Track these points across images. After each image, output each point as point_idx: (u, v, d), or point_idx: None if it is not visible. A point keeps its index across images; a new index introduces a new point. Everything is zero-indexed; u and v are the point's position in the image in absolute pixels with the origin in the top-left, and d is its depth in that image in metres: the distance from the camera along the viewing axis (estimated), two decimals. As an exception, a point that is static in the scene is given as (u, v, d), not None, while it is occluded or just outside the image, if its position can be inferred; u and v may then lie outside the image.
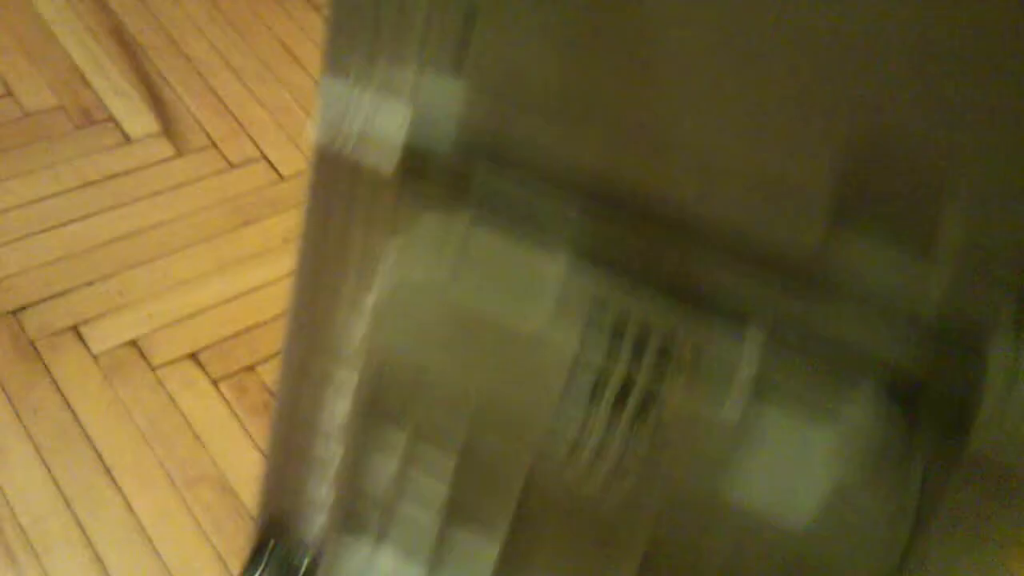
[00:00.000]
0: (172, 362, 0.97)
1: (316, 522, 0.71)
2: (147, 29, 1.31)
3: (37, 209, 1.07)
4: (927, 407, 0.53)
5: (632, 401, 0.56)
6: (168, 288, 1.03)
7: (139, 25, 1.31)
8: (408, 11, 0.57)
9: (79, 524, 0.84)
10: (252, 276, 1.06)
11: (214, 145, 1.19)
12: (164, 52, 1.28)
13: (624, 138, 0.54)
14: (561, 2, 0.52)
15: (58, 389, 0.93)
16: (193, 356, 0.98)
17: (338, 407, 0.66)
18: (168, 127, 1.20)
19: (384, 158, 0.58)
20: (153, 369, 0.96)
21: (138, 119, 1.20)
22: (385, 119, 0.58)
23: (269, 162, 1.19)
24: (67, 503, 0.85)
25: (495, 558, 0.63)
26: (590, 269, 0.57)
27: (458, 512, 0.63)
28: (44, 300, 0.99)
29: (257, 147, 1.20)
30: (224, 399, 0.96)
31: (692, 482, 0.56)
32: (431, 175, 0.58)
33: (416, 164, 0.58)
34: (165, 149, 1.17)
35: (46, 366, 0.94)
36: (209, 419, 0.94)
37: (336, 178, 0.61)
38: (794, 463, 0.55)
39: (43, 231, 1.05)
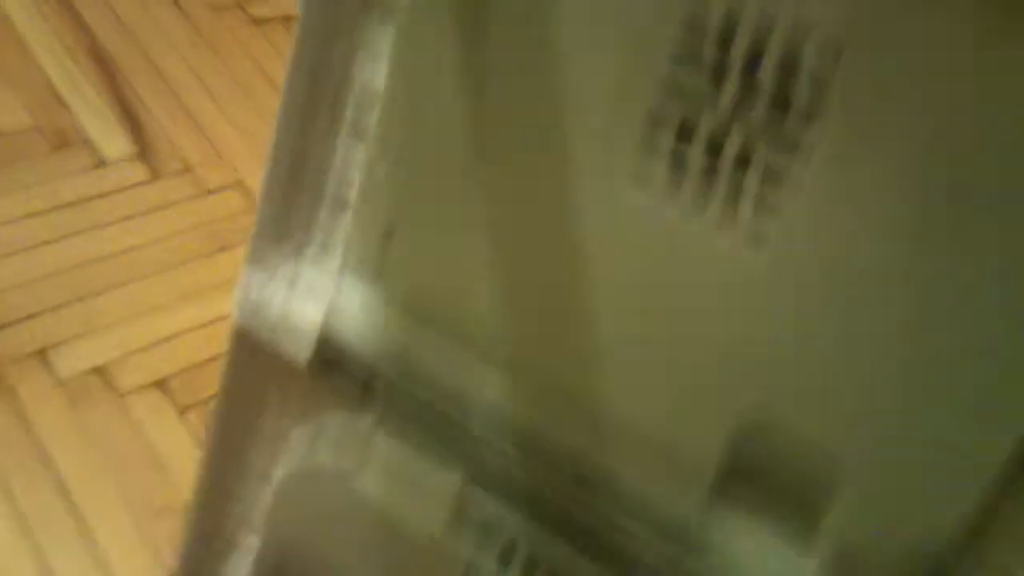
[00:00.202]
0: (139, 389, 0.97)
1: None
2: (125, 50, 1.30)
3: (7, 231, 1.06)
4: None
5: None
6: (138, 314, 1.02)
7: (117, 46, 1.31)
8: (333, 218, 0.59)
9: (38, 552, 0.83)
10: (225, 303, 1.05)
11: (190, 170, 1.19)
12: (142, 73, 1.28)
13: (525, 376, 0.55)
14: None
15: (22, 414, 0.92)
16: (161, 383, 0.97)
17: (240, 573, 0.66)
18: (144, 150, 1.19)
19: (299, 348, 0.60)
20: (120, 396, 0.95)
21: (114, 141, 1.19)
22: (302, 312, 0.60)
23: (245, 188, 1.19)
24: (26, 530, 0.84)
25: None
26: (483, 492, 0.58)
27: None
28: (11, 324, 0.98)
29: (234, 172, 1.20)
30: (191, 428, 0.95)
31: None
32: (342, 372, 0.60)
33: (329, 359, 0.60)
34: (140, 172, 1.17)
35: (11, 390, 0.93)
36: (175, 448, 0.93)
37: (253, 358, 0.62)
38: None
39: (12, 253, 1.04)
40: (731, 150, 0.46)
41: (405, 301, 0.57)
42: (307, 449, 0.62)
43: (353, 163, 0.55)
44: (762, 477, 0.51)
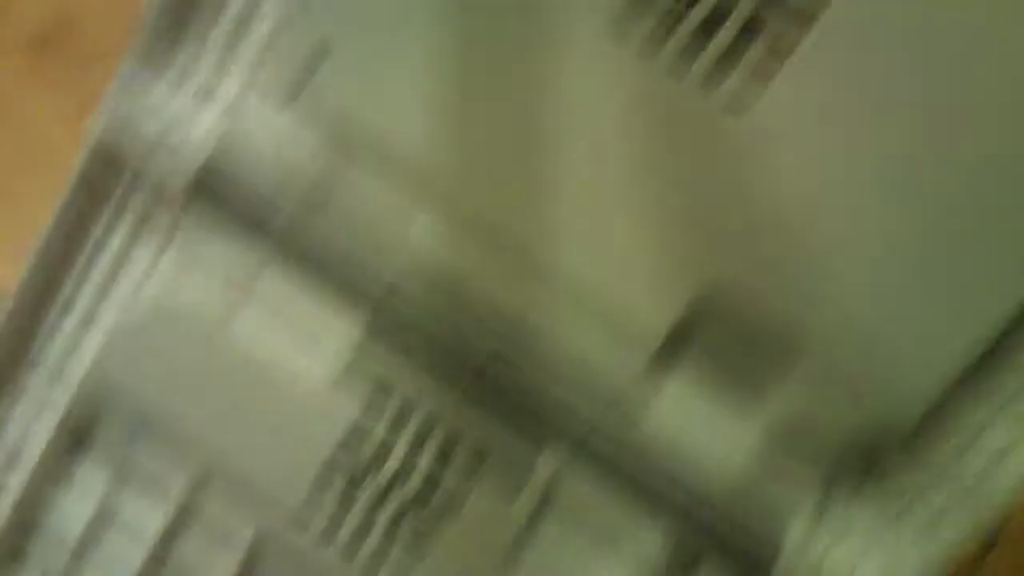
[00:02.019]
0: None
1: None
2: None
3: None
4: (718, 556, 0.52)
5: (399, 493, 0.54)
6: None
7: None
8: (248, 21, 0.53)
9: None
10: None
11: None
12: None
13: (462, 222, 0.51)
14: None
15: None
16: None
17: (33, 429, 0.61)
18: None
19: (178, 171, 0.54)
20: None
21: None
22: (190, 129, 0.54)
23: None
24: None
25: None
26: (384, 346, 0.54)
27: None
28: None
29: None
30: None
31: None
32: (228, 202, 0.54)
33: (213, 185, 0.54)
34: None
35: None
36: None
37: (109, 177, 0.56)
38: (599, 541, 0.54)
39: None
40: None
41: (325, 130, 0.52)
42: (163, 286, 0.57)
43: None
44: (712, 348, 0.50)
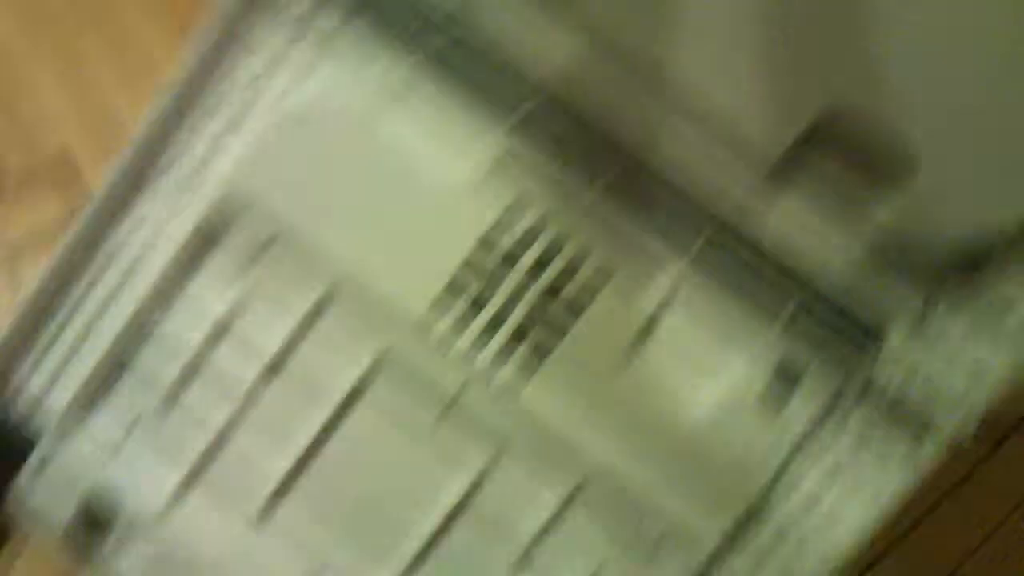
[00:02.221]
0: None
1: (54, 392, 0.66)
2: None
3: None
4: (820, 364, 0.58)
5: (524, 302, 0.60)
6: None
7: None
8: None
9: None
10: None
11: None
12: None
13: (602, 43, 0.58)
14: None
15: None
16: None
17: (164, 235, 0.65)
18: None
19: None
20: None
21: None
22: None
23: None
24: None
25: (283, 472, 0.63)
26: (524, 159, 0.60)
27: (260, 408, 0.63)
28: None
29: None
30: None
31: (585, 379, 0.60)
32: (386, 11, 0.60)
33: None
34: None
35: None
36: None
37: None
38: (698, 369, 0.59)
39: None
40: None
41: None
42: (321, 89, 0.62)
43: None
44: (826, 167, 0.56)
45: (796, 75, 0.55)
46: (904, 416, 0.57)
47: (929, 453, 0.57)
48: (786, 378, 0.59)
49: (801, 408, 0.59)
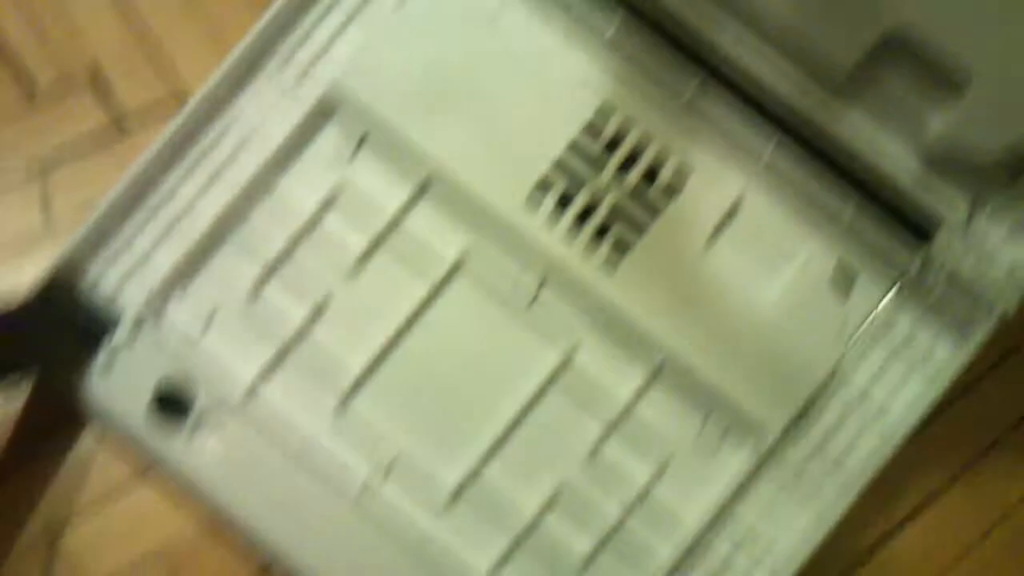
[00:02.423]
0: None
1: (136, 280, 0.65)
2: None
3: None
4: (889, 243, 0.67)
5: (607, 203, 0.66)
6: None
7: None
8: None
9: None
10: None
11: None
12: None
13: None
14: None
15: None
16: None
17: (272, 119, 0.67)
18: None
19: None
20: None
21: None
22: None
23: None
24: None
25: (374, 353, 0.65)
26: (618, 62, 0.67)
27: (351, 291, 0.66)
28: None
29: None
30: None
31: (675, 254, 0.66)
32: None
33: None
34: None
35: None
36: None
37: None
38: (768, 261, 0.66)
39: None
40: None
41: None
42: None
43: None
44: (889, 79, 0.64)
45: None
46: (952, 307, 0.66)
47: (975, 339, 0.65)
48: (846, 272, 0.66)
49: (861, 298, 0.66)
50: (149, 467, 0.65)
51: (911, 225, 0.66)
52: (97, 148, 0.72)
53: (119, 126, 0.72)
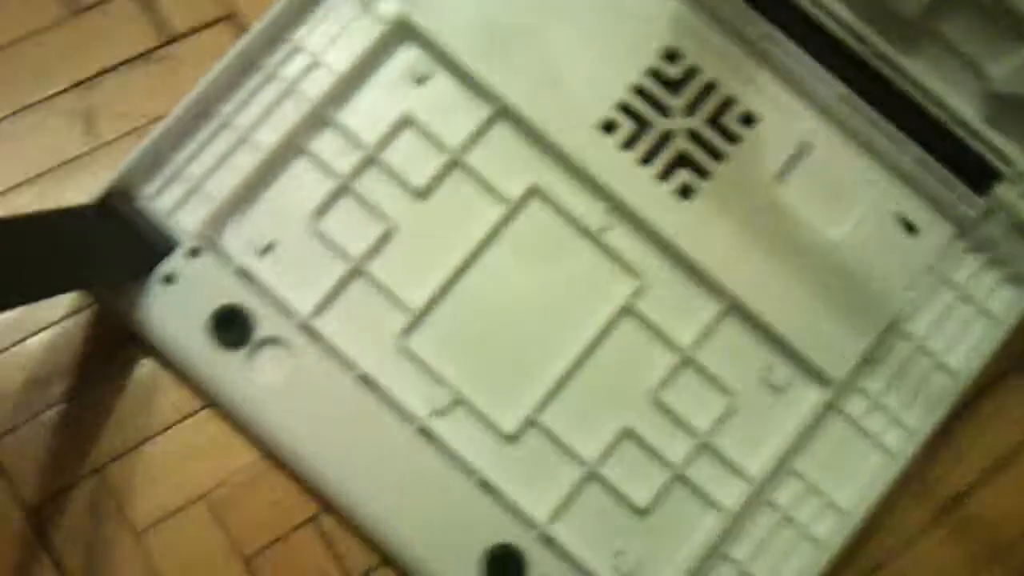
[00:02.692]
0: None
1: (192, 205, 0.63)
2: None
3: None
4: (952, 191, 0.67)
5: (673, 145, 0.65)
6: None
7: None
8: None
9: None
10: None
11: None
12: None
13: None
14: None
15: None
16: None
17: (339, 45, 0.66)
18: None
19: None
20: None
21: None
22: None
23: None
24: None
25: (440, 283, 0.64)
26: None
27: (417, 221, 0.64)
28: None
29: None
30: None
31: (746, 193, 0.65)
32: None
33: None
34: None
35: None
36: None
37: None
38: (834, 202, 0.66)
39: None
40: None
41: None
42: None
43: None
44: (953, 28, 0.64)
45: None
46: (1012, 258, 0.66)
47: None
48: (908, 220, 0.66)
49: (922, 247, 0.66)
50: (206, 402, 0.62)
51: (972, 176, 0.66)
52: (143, 67, 0.69)
53: (167, 45, 0.69)
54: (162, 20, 0.69)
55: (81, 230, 0.58)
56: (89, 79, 0.68)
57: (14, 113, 0.67)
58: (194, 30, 0.69)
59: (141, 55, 0.69)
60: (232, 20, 0.69)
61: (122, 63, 0.68)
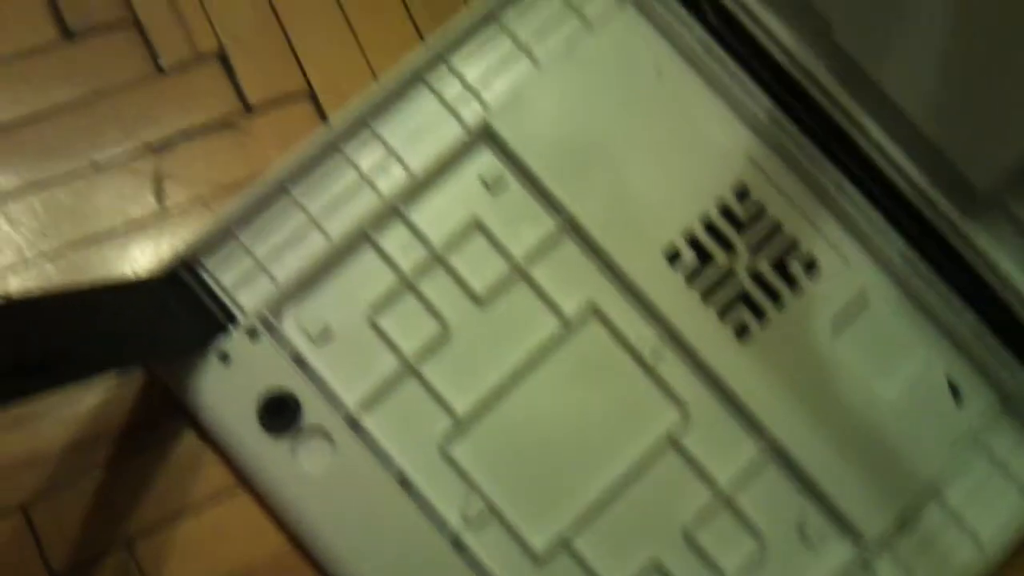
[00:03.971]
0: None
1: (266, 281, 0.63)
2: None
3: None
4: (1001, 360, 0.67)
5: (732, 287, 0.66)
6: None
7: None
8: None
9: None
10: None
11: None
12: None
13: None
14: None
15: None
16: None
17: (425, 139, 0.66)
18: None
19: None
20: None
21: None
22: None
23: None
24: None
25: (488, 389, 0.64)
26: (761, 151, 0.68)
27: (468, 332, 0.64)
28: None
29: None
30: None
31: (803, 340, 0.66)
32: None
33: None
34: None
35: None
36: None
37: None
38: (886, 362, 0.66)
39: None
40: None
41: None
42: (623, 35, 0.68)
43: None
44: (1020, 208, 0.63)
45: (1009, 111, 0.63)
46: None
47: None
48: (955, 385, 0.66)
49: (965, 413, 0.66)
50: (242, 482, 0.62)
51: (1021, 349, 0.66)
52: (216, 134, 0.69)
53: (241, 115, 0.70)
54: (239, 89, 0.70)
55: (144, 303, 0.58)
56: (164, 141, 0.68)
57: (87, 167, 0.67)
58: (269, 102, 0.70)
59: (216, 122, 0.69)
60: (307, 96, 0.70)
61: (197, 129, 0.69)
